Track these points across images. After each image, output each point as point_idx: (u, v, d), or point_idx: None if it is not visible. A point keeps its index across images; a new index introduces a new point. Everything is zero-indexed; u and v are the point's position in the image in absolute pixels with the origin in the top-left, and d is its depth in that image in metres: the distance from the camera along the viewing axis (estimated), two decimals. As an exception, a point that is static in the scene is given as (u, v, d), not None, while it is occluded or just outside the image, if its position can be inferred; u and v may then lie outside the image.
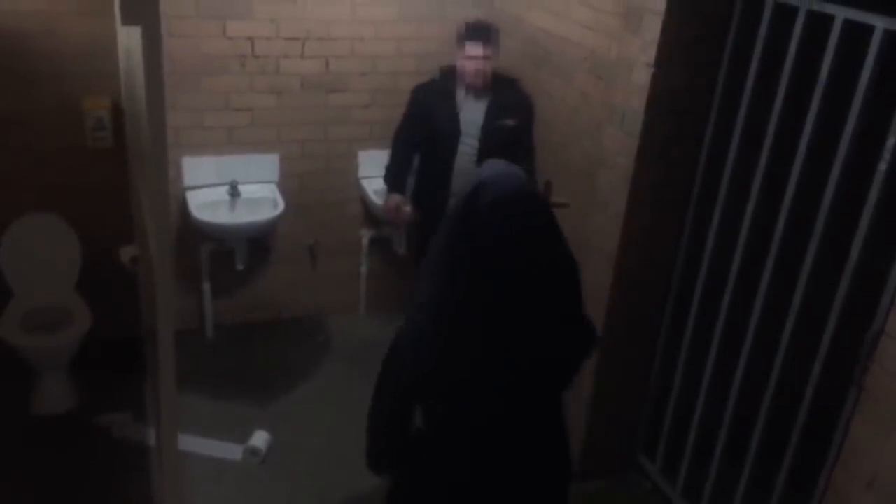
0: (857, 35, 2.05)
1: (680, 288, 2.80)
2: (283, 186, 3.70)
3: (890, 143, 1.96)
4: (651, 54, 2.45)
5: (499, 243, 1.73)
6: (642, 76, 2.50)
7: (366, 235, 4.00)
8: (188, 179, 3.55)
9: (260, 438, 3.13)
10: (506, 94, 3.23)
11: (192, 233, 3.56)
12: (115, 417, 3.18)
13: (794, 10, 2.22)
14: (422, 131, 3.26)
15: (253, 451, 3.09)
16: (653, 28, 2.43)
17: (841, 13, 2.08)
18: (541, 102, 3.31)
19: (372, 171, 3.75)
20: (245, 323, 3.95)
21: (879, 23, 1.97)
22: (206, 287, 3.76)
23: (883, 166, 1.99)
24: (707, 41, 2.46)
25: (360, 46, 3.59)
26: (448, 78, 3.25)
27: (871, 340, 1.95)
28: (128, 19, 1.60)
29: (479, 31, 3.11)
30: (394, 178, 3.32)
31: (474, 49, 3.09)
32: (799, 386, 2.29)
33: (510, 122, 3.20)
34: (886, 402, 1.87)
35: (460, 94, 3.22)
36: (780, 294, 2.37)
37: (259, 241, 3.78)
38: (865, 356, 1.96)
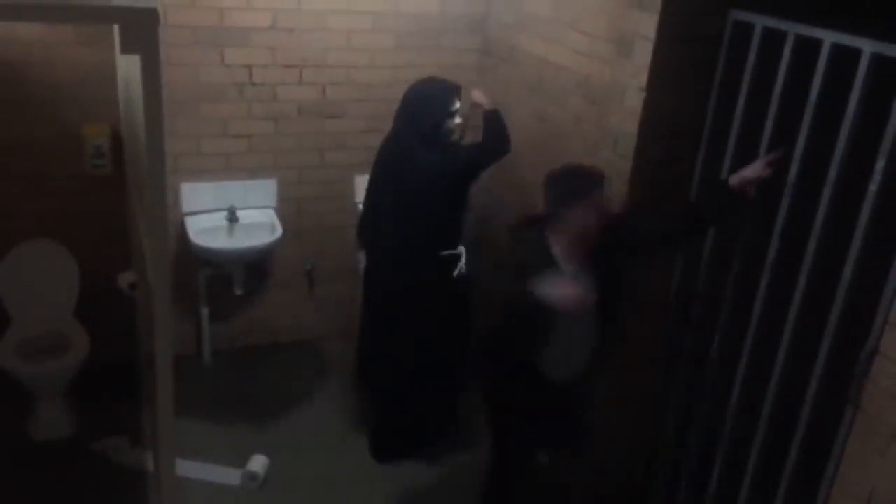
0: (845, 58, 2.09)
1: (676, 308, 2.81)
2: (281, 211, 3.72)
3: (879, 164, 1.99)
4: (643, 79, 2.48)
5: None
6: (635, 100, 2.54)
7: (362, 260, 4.01)
8: (187, 205, 3.57)
9: (258, 463, 3.12)
10: None
11: (190, 258, 3.57)
12: (112, 442, 3.18)
13: (782, 35, 2.26)
14: None
15: (251, 476, 3.08)
16: (644, 53, 2.47)
17: (829, 37, 2.11)
18: (534, 126, 3.34)
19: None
20: (243, 348, 3.95)
21: (867, 46, 2.00)
22: (205, 312, 3.76)
23: (873, 187, 2.01)
24: (698, 65, 2.50)
25: (357, 74, 3.63)
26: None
27: (865, 359, 1.96)
28: (127, 48, 1.63)
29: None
30: None
31: None
32: (795, 405, 2.30)
33: None
34: (882, 420, 1.88)
35: None
36: (776, 314, 2.38)
37: (257, 265, 3.79)
38: (860, 374, 1.97)
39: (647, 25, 2.46)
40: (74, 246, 3.35)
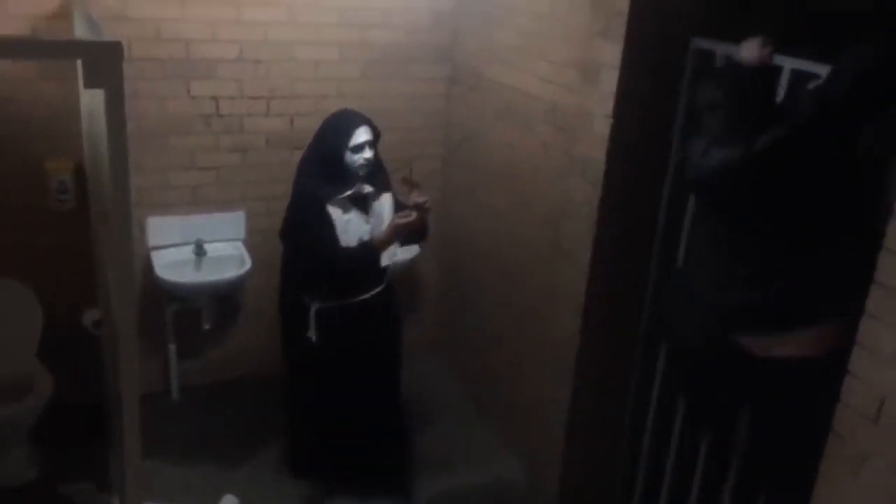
0: (805, 83, 2.13)
1: (649, 332, 2.82)
2: (250, 243, 3.68)
3: (845, 187, 2.02)
4: (609, 106, 2.52)
5: None
6: (602, 127, 2.57)
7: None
8: (153, 239, 3.52)
9: (229, 503, 3.05)
10: None
11: (157, 293, 3.51)
12: (78, 487, 3.08)
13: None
14: None
15: (222, 517, 3.01)
16: (610, 81, 2.51)
17: (788, 63, 2.16)
18: (503, 154, 3.36)
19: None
20: (213, 383, 3.87)
21: (825, 72, 2.05)
22: (172, 348, 3.69)
23: (839, 211, 2.04)
24: (663, 93, 2.54)
25: (325, 104, 3.62)
26: None
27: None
28: (91, 83, 1.60)
29: None
30: None
31: None
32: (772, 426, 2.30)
33: None
34: (853, 442, 1.89)
35: None
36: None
37: (226, 299, 3.74)
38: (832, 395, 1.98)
39: (611, 54, 2.50)
40: (37, 283, 3.27)
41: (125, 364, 1.84)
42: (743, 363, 2.18)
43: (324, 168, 2.83)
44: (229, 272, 3.50)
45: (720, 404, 2.43)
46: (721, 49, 2.37)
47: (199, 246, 3.54)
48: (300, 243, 2.91)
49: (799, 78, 2.15)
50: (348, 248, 2.83)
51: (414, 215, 2.84)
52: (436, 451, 3.46)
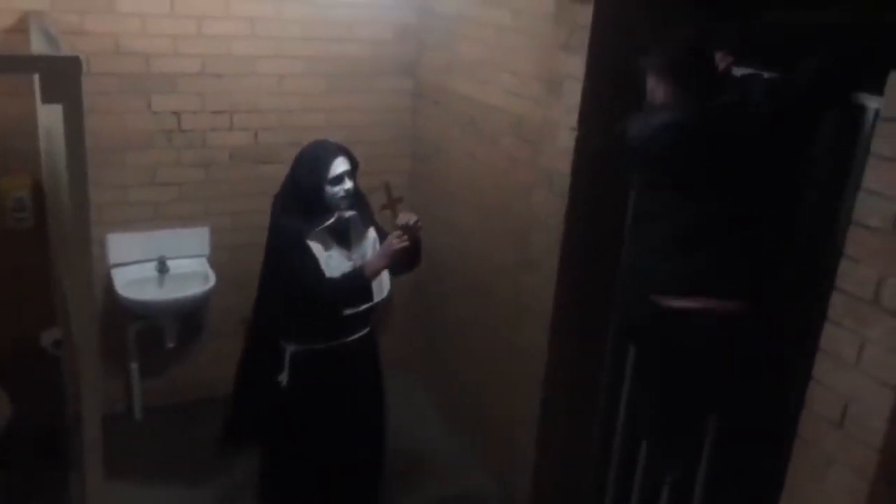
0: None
1: (617, 344, 2.84)
2: (215, 260, 3.63)
3: (811, 197, 2.06)
4: (574, 118, 2.54)
5: None
6: (567, 139, 2.58)
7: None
8: (114, 257, 3.45)
9: (195, 525, 2.99)
10: None
11: (118, 311, 3.44)
12: (37, 512, 3.00)
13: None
14: None
15: (188, 539, 2.94)
16: (574, 93, 2.53)
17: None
18: (469, 168, 3.37)
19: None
20: (176, 403, 3.79)
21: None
22: (134, 367, 3.62)
23: (804, 219, 2.08)
24: (627, 104, 2.56)
25: (289, 118, 3.61)
26: None
27: (800, 385, 2.00)
28: (49, 98, 1.58)
29: None
30: None
31: None
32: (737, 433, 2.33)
33: None
34: (818, 447, 1.91)
35: None
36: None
37: (190, 317, 3.67)
38: (798, 401, 2.01)
39: (575, 66, 2.52)
40: (-7, 304, 3.19)
41: (86, 384, 1.80)
42: (677, 324, 2.23)
43: (302, 203, 2.63)
44: (193, 289, 3.45)
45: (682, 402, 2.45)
46: (682, 61, 2.40)
47: (162, 263, 3.48)
48: (280, 278, 2.67)
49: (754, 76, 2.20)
50: (334, 279, 2.62)
51: (407, 239, 2.62)
52: (406, 465, 3.43)
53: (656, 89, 2.21)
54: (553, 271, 2.70)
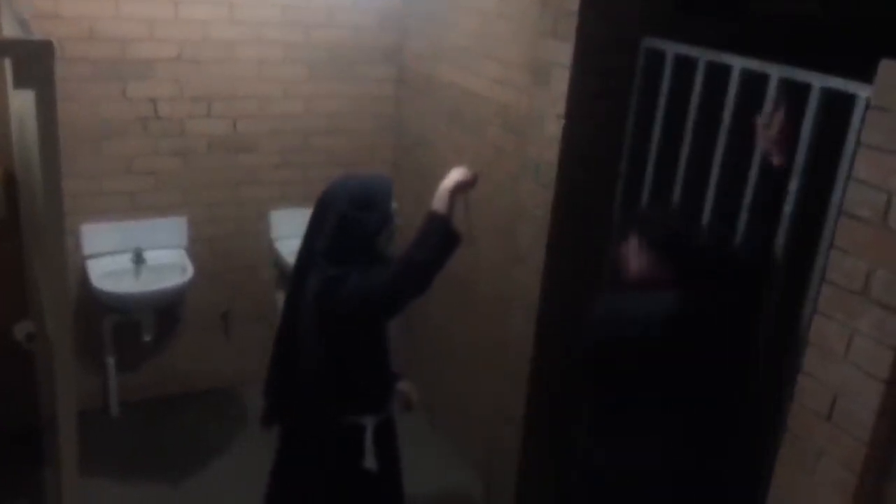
0: (754, 82, 2.16)
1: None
2: (192, 251, 3.57)
3: (793, 185, 2.05)
4: (561, 107, 2.50)
5: None
6: (554, 128, 2.55)
7: (281, 299, 3.88)
8: (88, 248, 3.38)
9: (174, 521, 2.95)
10: None
11: (93, 304, 3.37)
12: (11, 510, 2.94)
13: (694, 61, 2.31)
14: None
15: (167, 536, 2.90)
16: (561, 81, 2.50)
17: (738, 63, 2.18)
18: (453, 158, 3.33)
19: (285, 231, 3.67)
20: (154, 398, 3.74)
21: (774, 71, 2.08)
22: (110, 361, 3.55)
23: (788, 208, 2.07)
24: (615, 92, 2.54)
25: (269, 106, 3.55)
26: None
27: (790, 378, 1.99)
28: (21, 83, 1.55)
29: None
30: None
31: None
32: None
33: None
34: (808, 440, 1.91)
35: None
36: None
37: (167, 309, 3.61)
38: (787, 395, 2.00)
39: (562, 54, 2.49)
40: (-37, 296, 3.11)
41: (61, 379, 1.78)
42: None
43: (354, 254, 2.18)
44: (170, 281, 3.38)
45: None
46: (671, 49, 2.38)
47: (138, 254, 3.42)
48: (350, 296, 2.17)
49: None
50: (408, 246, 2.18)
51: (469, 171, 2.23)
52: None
53: (633, 262, 2.15)
54: (540, 264, 2.67)
